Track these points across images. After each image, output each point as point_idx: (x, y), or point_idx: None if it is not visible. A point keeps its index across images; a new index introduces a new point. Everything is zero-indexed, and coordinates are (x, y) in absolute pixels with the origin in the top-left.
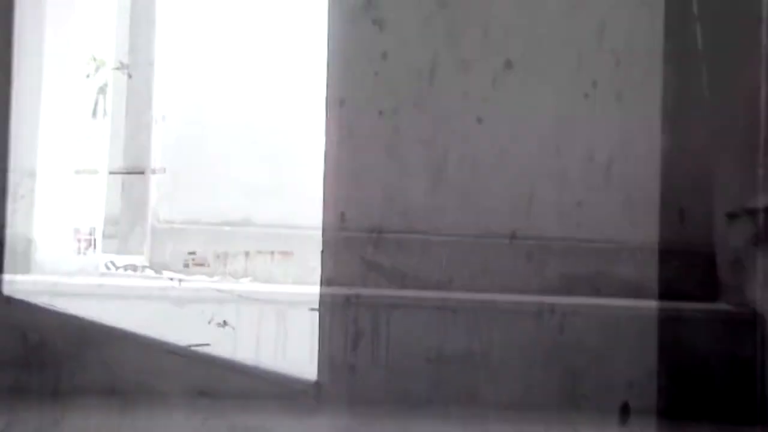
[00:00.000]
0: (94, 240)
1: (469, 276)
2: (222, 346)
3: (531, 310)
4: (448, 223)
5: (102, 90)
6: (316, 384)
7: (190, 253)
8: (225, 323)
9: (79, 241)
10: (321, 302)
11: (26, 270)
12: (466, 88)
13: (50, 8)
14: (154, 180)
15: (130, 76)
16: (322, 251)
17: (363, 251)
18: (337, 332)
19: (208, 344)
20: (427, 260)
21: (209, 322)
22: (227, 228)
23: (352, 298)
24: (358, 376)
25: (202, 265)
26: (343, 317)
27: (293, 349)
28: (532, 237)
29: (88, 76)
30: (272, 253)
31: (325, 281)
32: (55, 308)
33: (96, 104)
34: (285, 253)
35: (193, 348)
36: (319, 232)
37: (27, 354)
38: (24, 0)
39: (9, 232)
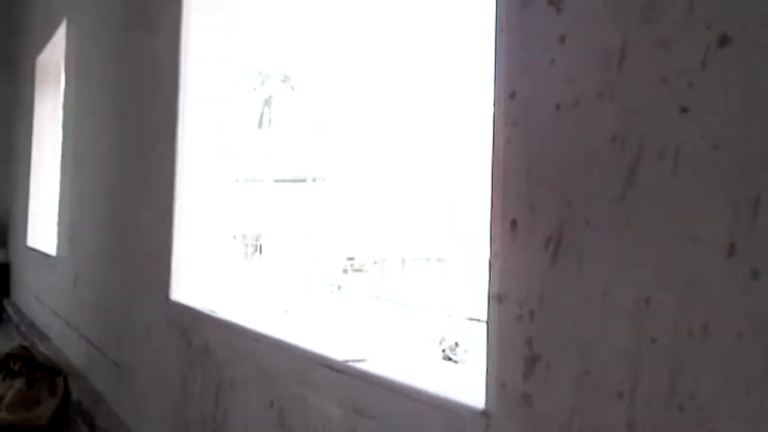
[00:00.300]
0: (260, 245)
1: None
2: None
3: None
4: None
5: (267, 102)
6: (484, 413)
7: (349, 259)
8: (383, 336)
9: (245, 246)
10: (489, 317)
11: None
12: (666, 72)
13: (217, 21)
14: (314, 187)
15: (293, 89)
16: (490, 261)
17: (538, 262)
18: (508, 354)
19: (363, 360)
20: None
21: (366, 334)
22: (384, 234)
23: (524, 315)
24: (535, 408)
25: (360, 270)
26: (514, 336)
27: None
28: (758, 252)
29: (254, 89)
30: (428, 259)
31: (494, 295)
32: (216, 315)
33: (262, 116)
34: (440, 260)
35: (350, 363)
36: (484, 239)
37: (191, 357)
38: (191, 13)
39: (176, 240)
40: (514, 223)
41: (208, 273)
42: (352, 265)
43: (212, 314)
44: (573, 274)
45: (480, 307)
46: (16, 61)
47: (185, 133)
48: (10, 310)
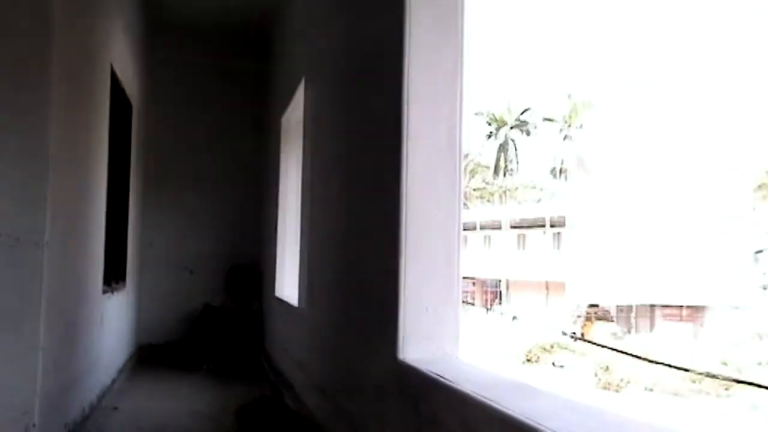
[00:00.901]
0: (500, 293)
1: None
2: None
3: None
4: None
5: (503, 148)
6: None
7: (591, 306)
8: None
9: (485, 293)
10: None
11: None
12: None
13: (439, 70)
14: (553, 232)
15: (528, 134)
16: None
17: None
18: None
19: None
20: None
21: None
22: (631, 279)
23: None
24: None
25: (603, 319)
26: None
27: None
28: None
29: (490, 134)
30: (680, 306)
31: None
32: (448, 382)
33: (497, 161)
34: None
35: None
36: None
37: (418, 425)
38: (410, 66)
39: (403, 294)
40: None
41: (441, 327)
42: (595, 313)
43: (443, 381)
44: None
45: None
46: (265, 123)
47: (408, 183)
48: (262, 358)
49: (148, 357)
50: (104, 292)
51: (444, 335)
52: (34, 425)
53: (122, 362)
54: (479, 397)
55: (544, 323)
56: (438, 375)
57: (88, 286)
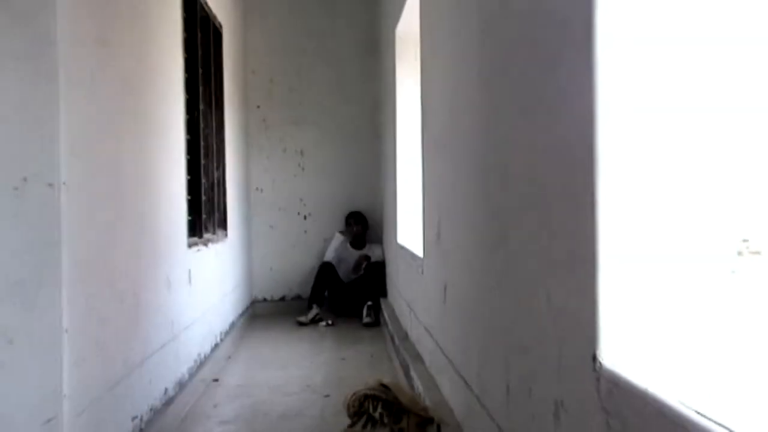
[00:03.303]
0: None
1: None
2: None
3: None
4: None
5: None
6: None
7: (744, 241)
8: None
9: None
10: None
11: None
12: None
13: None
14: None
15: None
16: None
17: None
18: None
19: None
20: None
21: None
22: None
23: None
24: None
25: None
26: None
27: None
28: None
29: None
30: None
31: None
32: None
33: None
34: None
35: None
36: None
37: None
38: None
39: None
40: None
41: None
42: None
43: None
44: None
45: None
46: (377, 42)
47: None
48: (385, 313)
49: (261, 314)
50: (191, 245)
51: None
52: None
53: (229, 323)
54: None
55: None
56: (678, 404)
57: (159, 239)
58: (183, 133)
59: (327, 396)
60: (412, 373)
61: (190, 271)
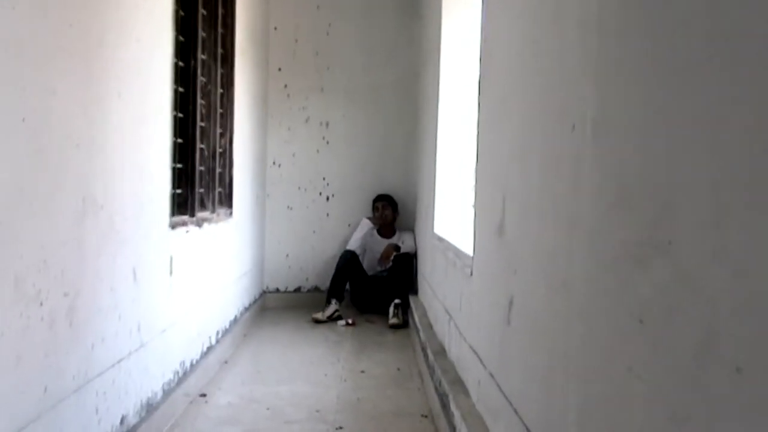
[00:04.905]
0: None
1: None
2: None
3: None
4: None
5: None
6: None
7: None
8: None
9: None
10: None
11: None
12: None
13: None
14: None
15: None
16: None
17: None
18: None
19: None
20: None
21: None
22: None
23: None
24: None
25: None
26: None
27: None
28: None
29: None
30: None
31: None
32: None
33: None
34: None
35: None
36: None
37: None
38: None
39: None
40: None
41: None
42: None
43: None
44: None
45: None
46: None
47: None
48: (415, 314)
49: (272, 307)
50: (176, 225)
51: None
52: None
53: (230, 320)
54: None
55: None
56: None
57: (117, 218)
58: (169, 82)
59: (339, 430)
60: (453, 408)
61: (171, 258)
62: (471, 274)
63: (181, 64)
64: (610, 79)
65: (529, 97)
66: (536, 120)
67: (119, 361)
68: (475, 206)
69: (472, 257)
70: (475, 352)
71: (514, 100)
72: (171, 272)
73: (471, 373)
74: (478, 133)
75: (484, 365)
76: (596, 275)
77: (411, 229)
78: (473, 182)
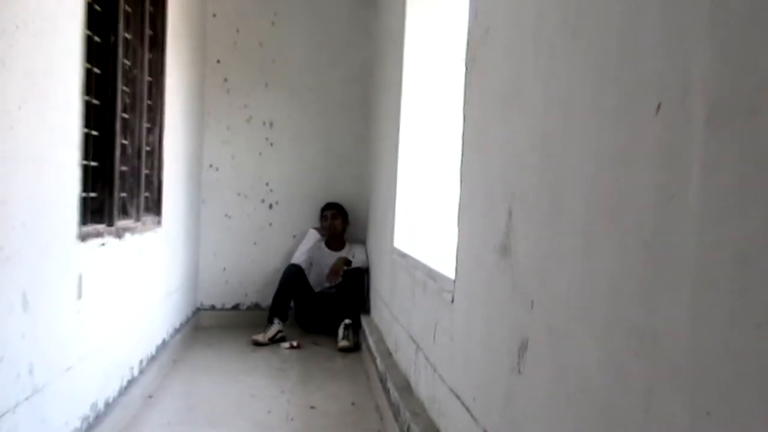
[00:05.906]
0: None
1: None
2: None
3: None
4: None
5: None
6: None
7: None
8: None
9: None
10: None
11: None
12: None
13: None
14: None
15: None
16: None
17: None
18: None
19: None
20: None
21: None
22: None
23: None
24: None
25: None
26: None
27: None
28: None
29: None
30: None
31: None
32: None
33: None
34: None
35: None
36: None
37: None
38: None
39: None
40: None
41: None
42: None
43: None
44: None
45: None
46: None
47: None
48: (369, 338)
49: (207, 326)
50: (87, 237)
51: None
52: None
53: (156, 344)
54: None
55: None
56: None
57: (9, 229)
58: (79, 57)
59: None
60: None
61: (80, 277)
62: (452, 301)
63: (96, 39)
64: (737, 31)
65: (564, 71)
66: (577, 102)
67: (1, 417)
68: (458, 216)
69: (454, 280)
70: (458, 397)
71: (531, 79)
72: (79, 295)
73: (453, 422)
74: (464, 127)
75: (473, 417)
76: (700, 330)
77: (362, 241)
78: (456, 187)
